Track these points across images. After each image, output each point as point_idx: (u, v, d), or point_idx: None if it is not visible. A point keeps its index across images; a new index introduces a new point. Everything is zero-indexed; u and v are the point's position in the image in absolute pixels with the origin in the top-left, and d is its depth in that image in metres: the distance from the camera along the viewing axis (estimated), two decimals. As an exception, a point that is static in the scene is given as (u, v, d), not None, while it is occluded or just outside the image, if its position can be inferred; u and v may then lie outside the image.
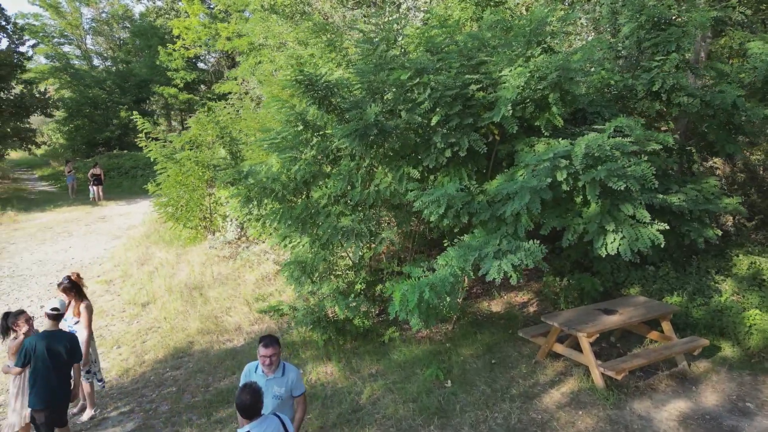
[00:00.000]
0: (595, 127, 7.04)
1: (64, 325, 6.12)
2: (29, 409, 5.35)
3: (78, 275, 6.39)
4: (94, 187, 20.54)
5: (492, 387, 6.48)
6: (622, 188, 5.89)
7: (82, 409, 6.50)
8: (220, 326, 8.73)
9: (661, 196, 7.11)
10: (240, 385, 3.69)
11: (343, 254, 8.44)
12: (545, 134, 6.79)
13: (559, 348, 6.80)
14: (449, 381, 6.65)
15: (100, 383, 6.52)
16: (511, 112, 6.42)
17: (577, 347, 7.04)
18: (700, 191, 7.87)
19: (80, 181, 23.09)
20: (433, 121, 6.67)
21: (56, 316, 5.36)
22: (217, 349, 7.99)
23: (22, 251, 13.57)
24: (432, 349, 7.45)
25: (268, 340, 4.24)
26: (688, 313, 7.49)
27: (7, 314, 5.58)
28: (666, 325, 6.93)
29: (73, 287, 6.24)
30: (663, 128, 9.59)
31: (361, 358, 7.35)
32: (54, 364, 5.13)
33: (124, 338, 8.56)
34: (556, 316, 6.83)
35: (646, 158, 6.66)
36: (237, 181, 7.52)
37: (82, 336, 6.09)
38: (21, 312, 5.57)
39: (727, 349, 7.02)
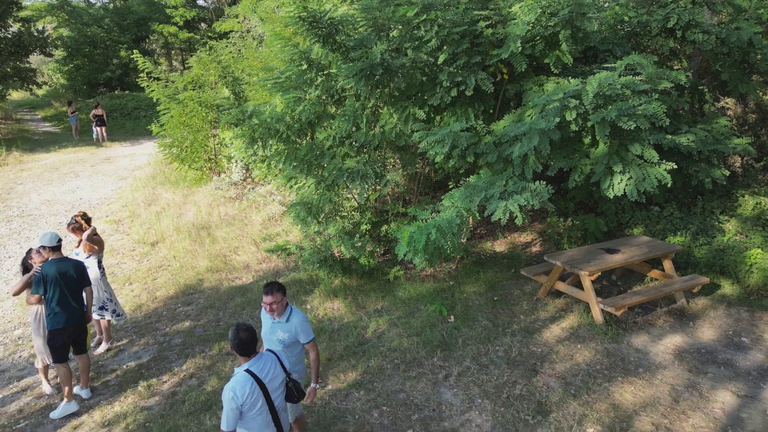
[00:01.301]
0: (606, 65, 6.88)
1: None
2: (47, 355, 5.68)
3: (85, 213, 6.52)
4: (98, 128, 20.42)
5: (494, 322, 6.68)
6: (633, 128, 5.83)
7: (98, 343, 6.76)
8: (229, 265, 8.92)
9: (669, 136, 7.05)
10: (234, 326, 3.76)
11: (348, 196, 8.50)
12: (555, 72, 6.66)
13: (560, 286, 6.95)
14: (452, 317, 6.85)
15: (118, 317, 6.73)
16: (520, 48, 6.27)
17: (579, 285, 7.19)
18: (710, 131, 7.79)
19: (83, 122, 22.95)
20: (440, 60, 6.54)
21: (57, 247, 5.52)
22: (227, 286, 8.20)
23: (30, 192, 13.69)
24: (436, 287, 7.63)
25: (269, 287, 4.23)
26: (690, 253, 7.59)
27: (29, 250, 5.85)
28: (667, 264, 7.04)
29: (81, 227, 6.40)
30: (676, 66, 9.36)
31: (367, 295, 7.54)
32: (68, 286, 5.44)
33: (135, 275, 8.78)
34: (559, 255, 6.93)
35: (657, 97, 6.55)
36: (241, 122, 7.48)
37: (93, 265, 6.39)
38: (29, 250, 5.82)
39: (727, 287, 7.15)
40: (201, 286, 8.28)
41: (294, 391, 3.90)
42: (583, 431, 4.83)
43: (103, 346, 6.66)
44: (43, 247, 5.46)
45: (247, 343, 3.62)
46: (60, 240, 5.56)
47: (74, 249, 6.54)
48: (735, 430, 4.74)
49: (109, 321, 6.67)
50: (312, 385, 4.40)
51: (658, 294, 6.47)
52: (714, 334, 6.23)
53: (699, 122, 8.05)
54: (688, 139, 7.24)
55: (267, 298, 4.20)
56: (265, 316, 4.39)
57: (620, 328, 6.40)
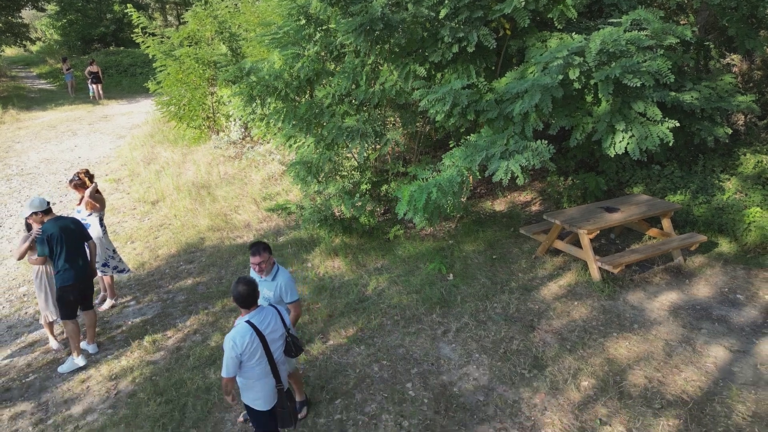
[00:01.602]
0: (611, 20, 6.73)
1: (79, 218, 6.33)
2: (51, 312, 5.78)
3: (87, 171, 6.52)
4: (93, 86, 20.11)
5: (492, 280, 6.77)
6: (638, 85, 5.75)
7: (103, 300, 6.87)
8: (230, 224, 8.97)
9: (673, 93, 6.96)
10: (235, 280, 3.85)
11: (348, 155, 8.46)
12: (558, 27, 6.51)
13: (559, 244, 7.01)
14: (451, 275, 6.93)
15: (121, 273, 6.81)
16: (523, 3, 6.12)
17: (577, 243, 7.24)
18: (714, 89, 7.68)
19: (78, 79, 22.61)
20: (441, 14, 6.39)
21: (48, 210, 5.51)
22: (228, 245, 8.27)
23: (28, 150, 13.62)
24: (435, 246, 7.69)
25: (255, 248, 4.27)
26: (689, 211, 7.61)
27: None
28: (666, 222, 7.08)
29: (83, 184, 6.40)
30: (682, 22, 9.15)
31: (367, 253, 7.61)
32: (71, 242, 5.50)
33: (137, 234, 8.84)
34: (559, 214, 6.96)
35: (662, 53, 6.43)
36: (239, 79, 7.37)
37: (95, 223, 6.42)
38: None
39: (724, 245, 7.21)
40: (202, 245, 8.34)
41: (292, 346, 4.02)
42: (578, 384, 4.97)
43: (108, 303, 6.76)
44: (35, 214, 5.45)
45: (247, 296, 3.72)
46: (49, 203, 5.55)
47: (76, 207, 6.56)
48: (726, 384, 4.88)
49: (112, 277, 6.76)
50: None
51: (655, 252, 6.52)
52: (709, 291, 6.32)
53: (704, 79, 7.93)
54: (692, 96, 7.15)
55: (254, 258, 4.29)
56: (253, 275, 4.47)
57: (617, 286, 6.49)
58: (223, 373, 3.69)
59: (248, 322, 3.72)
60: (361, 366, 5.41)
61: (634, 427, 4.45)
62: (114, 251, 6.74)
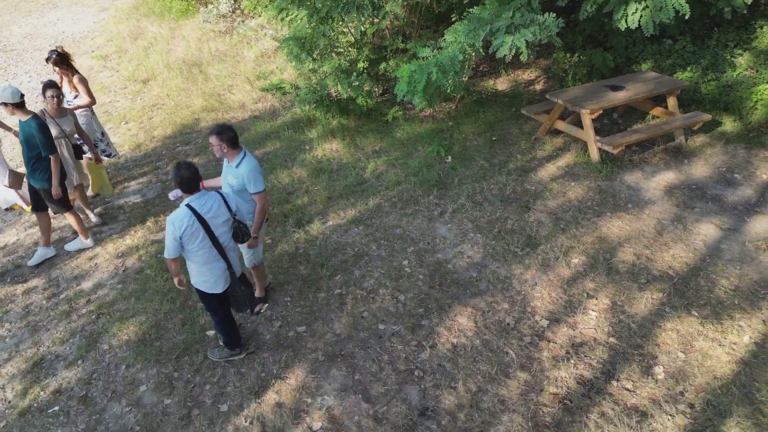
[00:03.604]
0: None
1: (64, 101, 6.02)
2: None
3: (63, 48, 6.10)
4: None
5: (490, 162, 6.74)
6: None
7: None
8: (224, 104, 8.75)
9: (694, -42, 6.41)
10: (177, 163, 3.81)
11: (344, 30, 8.00)
12: None
13: (560, 125, 6.88)
14: (449, 157, 6.89)
15: (109, 157, 6.67)
16: None
17: (579, 124, 7.11)
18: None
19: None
20: None
21: (21, 103, 5.07)
22: (224, 126, 8.12)
23: (9, 24, 12.93)
24: (434, 128, 7.56)
25: (211, 130, 4.14)
26: (697, 89, 7.38)
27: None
28: (672, 101, 6.89)
29: (63, 60, 6.02)
30: None
31: (365, 136, 7.51)
32: (29, 150, 5.18)
33: (130, 114, 8.67)
34: (562, 92, 6.75)
35: None
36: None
37: (84, 104, 6.13)
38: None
39: (728, 124, 7.09)
40: (198, 126, 8.21)
41: (239, 232, 3.98)
42: (568, 261, 5.14)
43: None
44: (5, 104, 5.03)
45: (187, 180, 3.71)
46: (23, 95, 5.11)
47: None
48: (713, 260, 5.05)
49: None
50: (252, 234, 4.38)
51: (657, 132, 6.42)
52: (707, 171, 6.32)
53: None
54: (715, -38, 6.58)
55: (209, 139, 4.17)
56: (225, 159, 4.33)
57: (615, 166, 6.48)
58: (165, 254, 3.82)
59: (188, 205, 3.75)
60: (360, 245, 5.57)
61: (619, 300, 4.68)
62: (103, 134, 6.59)
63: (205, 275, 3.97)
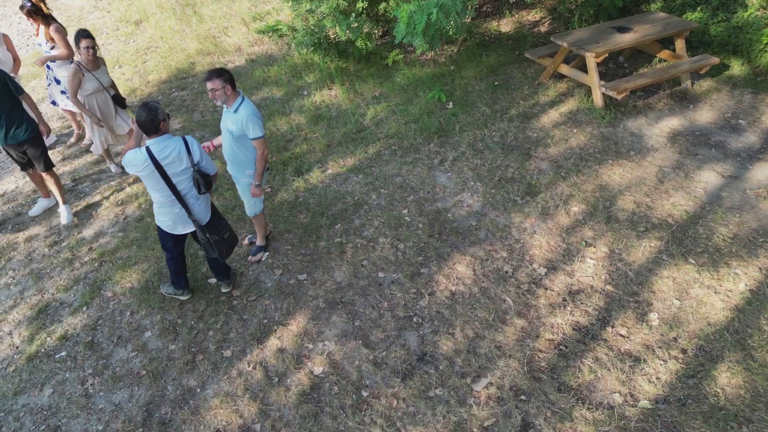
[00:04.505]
0: None
1: (41, 50, 5.86)
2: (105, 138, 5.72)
3: None
4: None
5: (492, 108, 6.62)
6: None
7: (79, 138, 6.67)
8: (220, 47, 8.51)
9: None
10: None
11: (342, -34, 7.67)
12: None
13: (564, 69, 6.71)
14: (451, 103, 6.76)
15: None
16: None
17: (583, 68, 6.94)
18: None
19: None
20: None
21: None
22: (220, 71, 7.93)
23: (-8, -36, 12.38)
24: (435, 72, 7.38)
25: (208, 74, 3.99)
26: (706, 31, 7.15)
27: None
28: (680, 44, 6.69)
29: (37, 11, 5.64)
30: None
31: (365, 80, 7.34)
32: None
33: (123, 58, 8.45)
34: (567, 35, 6.54)
35: None
36: None
37: (61, 55, 5.80)
38: None
39: (736, 68, 6.91)
40: (193, 70, 8.02)
41: (198, 183, 3.90)
42: (568, 210, 5.14)
43: (87, 139, 6.56)
44: None
45: (145, 122, 3.68)
46: None
47: (35, 38, 5.91)
48: (712, 207, 5.04)
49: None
50: (253, 182, 4.39)
51: (663, 76, 6.27)
52: (712, 117, 6.21)
53: None
54: None
55: (206, 85, 4.01)
56: (224, 106, 4.20)
57: (619, 112, 6.36)
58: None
59: (147, 148, 3.72)
60: (359, 194, 5.55)
61: (617, 248, 4.71)
62: None
63: (163, 216, 4.04)
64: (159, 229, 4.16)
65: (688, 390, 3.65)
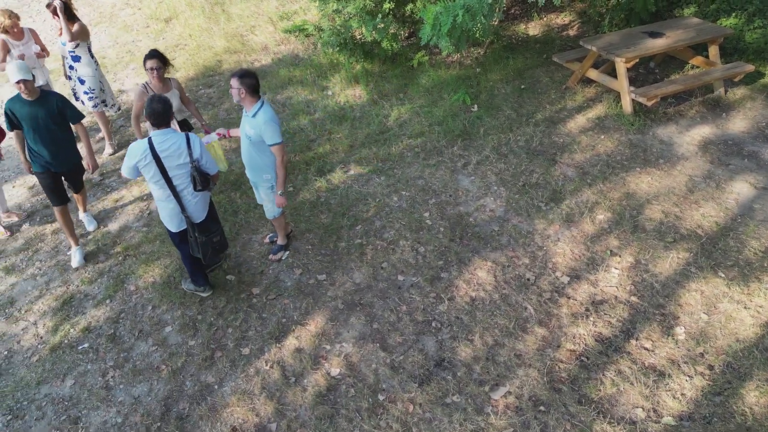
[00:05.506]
0: None
1: (65, 50, 5.81)
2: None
3: None
4: None
5: (518, 112, 6.54)
6: None
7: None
8: (247, 46, 8.57)
9: None
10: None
11: (370, -34, 7.66)
12: None
13: (593, 74, 6.60)
14: (476, 106, 6.70)
15: (112, 109, 6.38)
16: None
17: (613, 73, 6.80)
18: None
19: None
20: None
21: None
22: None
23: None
24: (461, 74, 7.32)
25: (234, 72, 4.00)
26: (741, 37, 6.96)
27: None
28: (713, 50, 6.52)
29: (65, 9, 5.57)
30: None
31: (389, 82, 7.32)
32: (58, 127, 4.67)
33: (153, 57, 8.56)
34: (596, 39, 6.43)
35: None
36: None
37: (86, 59, 5.82)
38: None
39: (772, 78, 6.72)
40: (220, 68, 8.09)
41: (194, 179, 3.90)
42: (593, 218, 5.04)
43: (108, 149, 6.45)
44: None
45: (157, 114, 3.76)
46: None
47: (58, 37, 5.84)
48: (744, 220, 4.89)
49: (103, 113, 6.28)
50: (276, 191, 4.38)
51: (696, 83, 6.12)
52: (745, 126, 6.04)
53: None
54: None
55: (230, 81, 4.03)
56: (244, 115, 4.19)
57: (648, 119, 6.23)
58: (122, 171, 4.02)
59: (149, 138, 3.81)
60: (381, 196, 5.53)
61: (643, 259, 4.60)
62: (104, 85, 6.22)
63: (161, 211, 4.13)
64: (167, 229, 4.29)
65: (714, 408, 3.55)
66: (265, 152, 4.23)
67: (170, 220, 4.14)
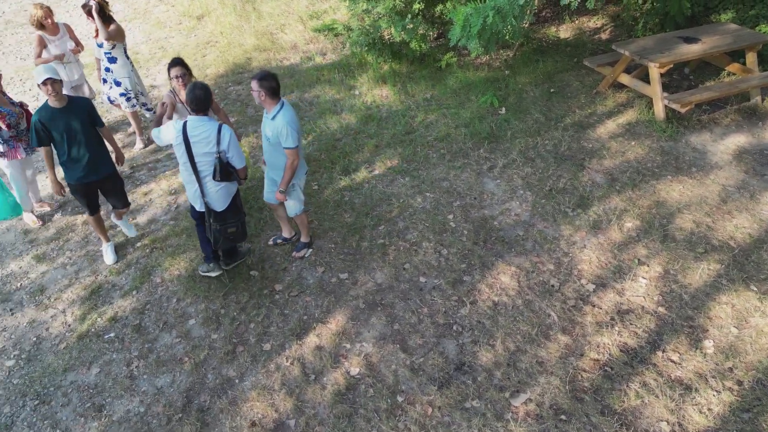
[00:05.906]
0: None
1: (100, 52, 5.88)
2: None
3: None
4: None
5: (546, 116, 6.46)
6: None
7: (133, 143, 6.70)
8: (276, 44, 8.65)
9: None
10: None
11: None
12: None
13: (624, 79, 6.48)
14: (503, 108, 6.64)
15: (149, 112, 6.50)
16: None
17: (646, 78, 6.68)
18: None
19: None
20: None
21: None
22: (275, 66, 8.06)
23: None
24: (489, 76, 7.27)
25: (255, 74, 4.05)
26: (781, 46, 6.76)
27: None
28: (751, 57, 6.35)
29: (100, 11, 5.58)
30: None
31: (417, 82, 7.30)
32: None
33: (184, 51, 8.69)
34: (629, 43, 6.31)
35: None
36: None
37: (122, 60, 5.90)
38: None
39: (812, 87, 6.51)
40: (249, 66, 8.17)
41: (215, 170, 4.00)
42: (622, 225, 4.95)
43: (139, 144, 6.56)
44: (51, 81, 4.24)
45: (199, 101, 3.92)
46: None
47: (94, 39, 5.91)
48: (777, 233, 4.75)
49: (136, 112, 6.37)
50: (278, 188, 4.41)
51: (732, 90, 5.96)
52: (783, 137, 5.87)
53: None
54: None
55: (251, 84, 4.13)
56: (266, 116, 4.24)
57: (681, 126, 6.09)
58: (153, 132, 4.23)
59: (185, 122, 3.96)
60: (405, 196, 5.52)
61: (672, 269, 4.50)
62: (142, 91, 6.34)
63: (188, 191, 4.33)
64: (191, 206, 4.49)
65: (742, 424, 3.45)
66: (278, 154, 4.30)
67: (193, 199, 4.34)
